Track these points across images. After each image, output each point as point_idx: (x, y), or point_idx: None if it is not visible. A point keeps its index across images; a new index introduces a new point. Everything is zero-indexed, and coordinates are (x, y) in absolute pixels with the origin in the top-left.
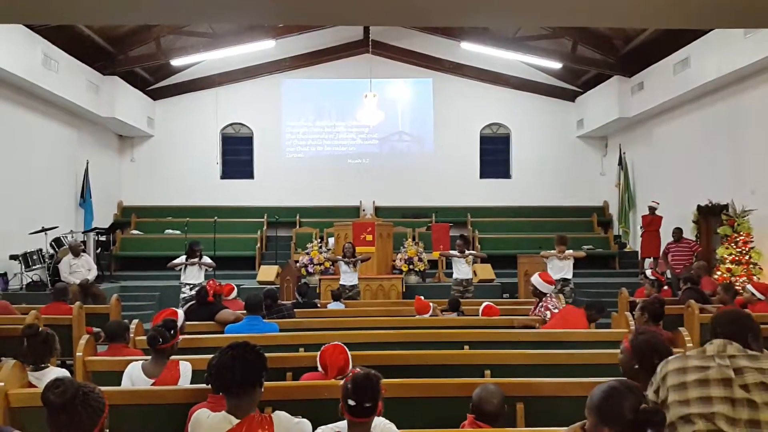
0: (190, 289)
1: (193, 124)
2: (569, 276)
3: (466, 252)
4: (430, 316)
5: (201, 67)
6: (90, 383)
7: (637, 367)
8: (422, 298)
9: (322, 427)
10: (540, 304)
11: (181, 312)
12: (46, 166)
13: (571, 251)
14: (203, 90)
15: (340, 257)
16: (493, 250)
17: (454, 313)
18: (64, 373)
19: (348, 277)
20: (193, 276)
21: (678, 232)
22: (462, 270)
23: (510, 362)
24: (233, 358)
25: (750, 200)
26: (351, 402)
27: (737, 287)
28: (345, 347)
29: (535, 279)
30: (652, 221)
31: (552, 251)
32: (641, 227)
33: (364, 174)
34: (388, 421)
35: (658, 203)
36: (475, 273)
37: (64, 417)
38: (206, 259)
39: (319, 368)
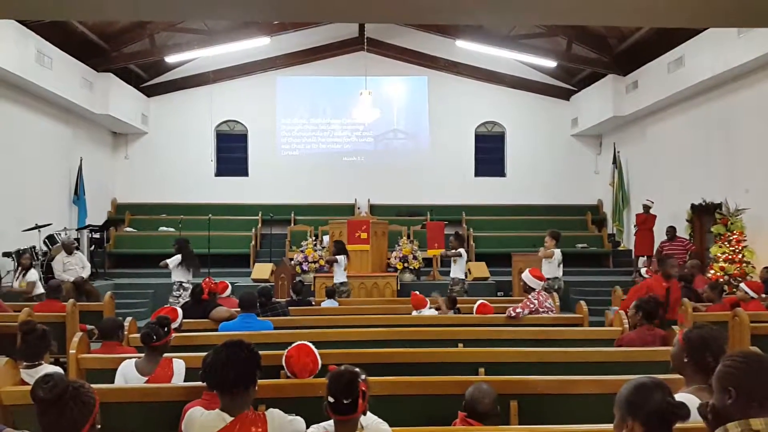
0: (177, 288)
1: (188, 121)
2: (559, 274)
3: (454, 251)
4: (438, 312)
5: (195, 64)
6: (80, 380)
7: (686, 360)
8: (418, 293)
9: (313, 426)
10: (532, 296)
11: (180, 310)
12: (39, 163)
13: (541, 250)
14: (197, 87)
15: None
16: (487, 248)
17: (451, 310)
18: (57, 370)
19: (336, 275)
20: (183, 274)
21: (672, 231)
22: (452, 269)
23: (504, 360)
24: (228, 356)
25: (743, 199)
26: (330, 399)
27: (730, 286)
28: (311, 346)
29: (525, 275)
30: (646, 220)
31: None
32: (635, 226)
33: (359, 172)
34: (380, 420)
35: (652, 202)
36: (469, 271)
37: (55, 413)
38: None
39: (288, 375)
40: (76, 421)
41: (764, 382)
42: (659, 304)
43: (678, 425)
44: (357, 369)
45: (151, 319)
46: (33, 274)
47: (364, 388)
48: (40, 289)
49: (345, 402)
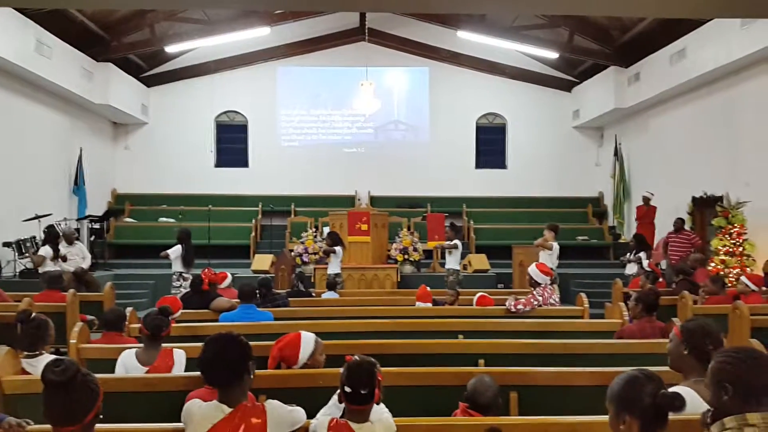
0: (177, 279)
1: (188, 112)
2: (553, 265)
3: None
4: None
5: (195, 54)
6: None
7: (685, 352)
8: (428, 288)
9: (319, 416)
10: (537, 292)
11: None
12: (39, 153)
13: (538, 240)
14: (198, 77)
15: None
16: (488, 240)
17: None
18: None
19: (331, 266)
20: (182, 265)
21: (679, 223)
22: (447, 260)
23: (504, 351)
24: (215, 353)
25: (744, 192)
26: (347, 389)
27: (730, 278)
28: (300, 336)
29: (531, 268)
30: (647, 213)
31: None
32: (636, 219)
33: (359, 163)
34: (385, 410)
35: (652, 194)
36: (470, 263)
37: (63, 396)
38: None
39: (282, 365)
40: (82, 406)
41: (760, 377)
42: (659, 295)
43: (675, 417)
44: (372, 359)
45: (157, 307)
46: (45, 250)
47: (380, 378)
48: (46, 267)
49: (362, 392)
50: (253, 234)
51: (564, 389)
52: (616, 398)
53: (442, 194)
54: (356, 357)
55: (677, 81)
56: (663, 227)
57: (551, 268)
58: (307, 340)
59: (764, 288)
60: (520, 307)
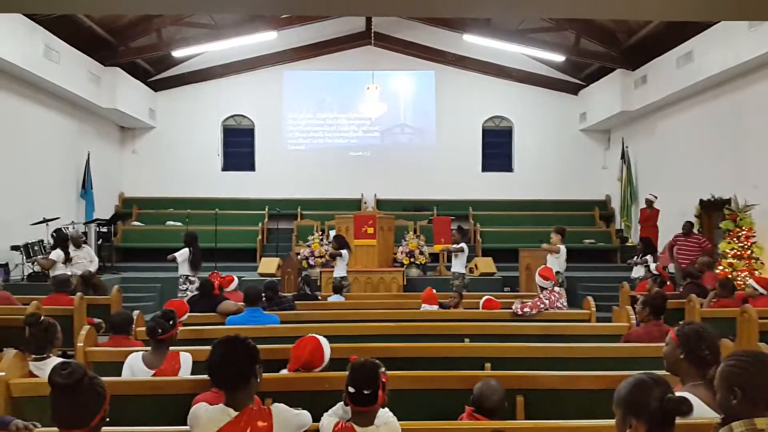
0: (183, 282)
1: (195, 116)
2: (560, 269)
3: (455, 246)
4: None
5: (202, 59)
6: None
7: (681, 356)
8: (434, 291)
9: (326, 414)
10: (543, 295)
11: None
12: (47, 157)
13: (545, 245)
14: (205, 81)
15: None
16: (494, 243)
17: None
18: None
19: (337, 269)
20: (189, 268)
21: (688, 226)
22: (453, 263)
23: (510, 355)
24: (223, 356)
25: (752, 195)
26: (350, 389)
27: (738, 281)
28: (319, 340)
29: (536, 276)
30: (650, 216)
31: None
32: (639, 222)
33: (365, 166)
34: (391, 414)
35: (655, 196)
36: (476, 266)
37: (70, 398)
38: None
39: (300, 368)
40: (89, 409)
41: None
42: (666, 299)
43: (680, 421)
44: (377, 360)
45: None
46: (56, 254)
47: (384, 380)
48: (58, 270)
49: (365, 393)
50: (260, 237)
51: (570, 393)
52: (623, 402)
53: (448, 197)
54: (361, 358)
55: (684, 84)
56: (669, 230)
57: (558, 271)
58: (326, 343)
59: None
60: (526, 310)
